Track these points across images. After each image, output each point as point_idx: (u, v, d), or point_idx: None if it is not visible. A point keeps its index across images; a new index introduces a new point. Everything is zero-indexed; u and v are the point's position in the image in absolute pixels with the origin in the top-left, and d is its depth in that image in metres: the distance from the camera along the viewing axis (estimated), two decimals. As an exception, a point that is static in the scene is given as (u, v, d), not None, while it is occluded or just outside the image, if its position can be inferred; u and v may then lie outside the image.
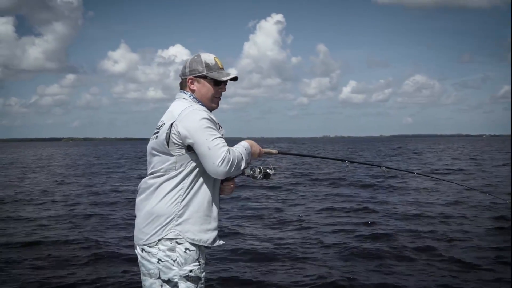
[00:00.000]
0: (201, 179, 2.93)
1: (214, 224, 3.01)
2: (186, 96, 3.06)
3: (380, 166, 4.04)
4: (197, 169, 2.89)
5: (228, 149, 2.82)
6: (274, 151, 3.40)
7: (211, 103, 3.11)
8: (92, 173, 25.67)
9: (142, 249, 2.95)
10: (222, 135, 2.99)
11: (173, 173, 2.91)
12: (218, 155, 2.76)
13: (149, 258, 2.91)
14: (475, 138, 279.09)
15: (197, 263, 2.92)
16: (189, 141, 2.82)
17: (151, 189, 2.97)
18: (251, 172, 3.17)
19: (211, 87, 3.08)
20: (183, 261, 2.87)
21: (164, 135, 2.89)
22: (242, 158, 2.90)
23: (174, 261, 2.87)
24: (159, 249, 2.88)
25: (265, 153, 3.29)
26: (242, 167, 2.90)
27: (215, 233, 3.01)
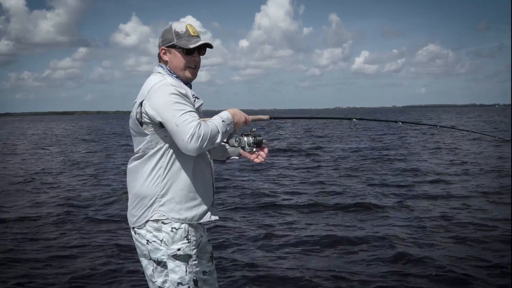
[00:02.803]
0: (181, 155, 2.87)
1: (200, 200, 2.97)
2: (160, 69, 3.01)
3: (395, 121, 3.97)
4: (175, 145, 2.83)
5: (198, 124, 2.70)
6: (264, 117, 3.23)
7: (185, 73, 3.01)
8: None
9: (134, 231, 3.01)
10: (199, 107, 2.97)
11: (151, 152, 2.90)
12: (186, 131, 2.66)
13: (140, 240, 2.97)
14: (488, 108, 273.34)
15: (185, 241, 2.91)
16: (158, 119, 2.78)
17: (134, 170, 2.99)
18: (236, 143, 3.07)
19: (182, 56, 2.99)
20: (170, 240, 2.89)
21: (135, 114, 2.88)
22: (218, 132, 2.78)
23: (161, 241, 2.89)
24: (147, 230, 2.92)
25: (254, 120, 3.13)
26: (218, 140, 2.79)
27: (202, 208, 2.98)
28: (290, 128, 47.11)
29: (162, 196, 2.91)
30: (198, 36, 3.03)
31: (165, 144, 2.89)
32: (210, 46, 3.06)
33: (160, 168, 2.91)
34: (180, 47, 2.99)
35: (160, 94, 2.80)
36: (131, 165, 3.04)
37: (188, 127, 2.68)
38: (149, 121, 2.83)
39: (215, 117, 2.88)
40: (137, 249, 3.07)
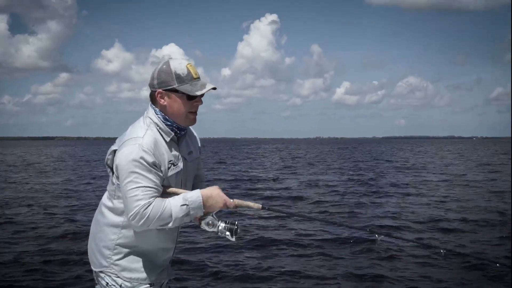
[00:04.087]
0: None
1: (157, 262, 2.82)
2: (152, 114, 2.70)
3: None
4: None
5: (147, 204, 2.50)
6: (255, 205, 2.77)
7: (186, 120, 2.71)
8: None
9: (94, 271, 2.86)
10: (174, 174, 2.70)
11: (114, 201, 2.73)
12: (131, 208, 2.49)
13: (100, 280, 2.81)
14: (466, 140, 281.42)
15: (147, 285, 2.76)
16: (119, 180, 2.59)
17: (99, 207, 2.86)
18: (207, 227, 2.71)
19: (184, 102, 2.66)
20: (129, 285, 2.74)
21: (106, 160, 2.72)
22: (171, 217, 2.53)
23: (120, 286, 2.74)
24: (106, 274, 2.76)
25: (239, 206, 2.74)
26: (170, 225, 2.56)
27: (158, 269, 2.82)
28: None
29: (115, 254, 2.73)
30: (199, 78, 2.69)
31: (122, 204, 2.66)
32: (215, 88, 2.71)
33: (117, 225, 2.72)
34: (182, 93, 2.64)
35: (125, 156, 2.54)
36: (102, 200, 2.86)
37: (133, 205, 2.49)
38: (116, 174, 2.62)
39: (179, 197, 2.59)
40: (97, 286, 2.87)
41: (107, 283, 2.77)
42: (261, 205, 2.79)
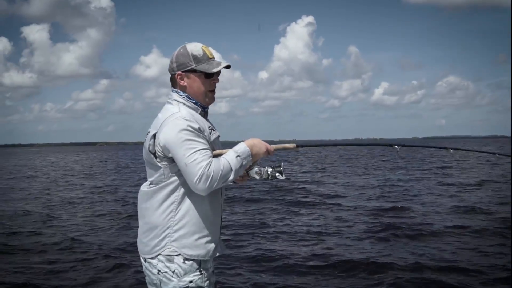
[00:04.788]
0: (193, 192, 2.75)
1: (212, 236, 2.90)
2: (176, 97, 2.88)
3: (446, 148, 3.68)
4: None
5: (208, 163, 2.63)
6: (290, 145, 3.06)
7: (206, 98, 2.91)
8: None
9: (144, 259, 2.92)
10: (215, 139, 2.88)
11: (163, 185, 2.82)
12: (195, 172, 2.60)
13: (150, 269, 2.87)
14: (509, 139, 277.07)
15: (197, 273, 2.83)
16: (170, 155, 2.72)
17: (147, 197, 2.91)
18: (256, 176, 2.93)
19: (203, 81, 2.86)
20: (182, 272, 2.80)
21: (148, 145, 2.82)
22: (231, 169, 2.69)
23: (173, 272, 2.81)
24: (159, 260, 2.83)
25: (277, 149, 3.01)
26: (231, 178, 2.69)
27: (213, 244, 2.90)
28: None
29: (175, 231, 2.81)
30: (214, 58, 2.91)
31: (178, 179, 2.79)
32: (229, 66, 2.92)
33: (173, 202, 2.81)
34: (200, 71, 2.86)
35: (172, 129, 2.70)
36: (143, 190, 2.94)
37: (196, 168, 2.61)
38: (162, 154, 2.75)
39: (230, 152, 2.78)
40: (147, 277, 2.96)
41: (159, 271, 2.83)
42: (295, 144, 3.07)
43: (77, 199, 16.97)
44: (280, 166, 2.95)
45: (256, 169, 2.94)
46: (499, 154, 4.02)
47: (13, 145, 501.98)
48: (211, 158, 2.68)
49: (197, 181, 2.61)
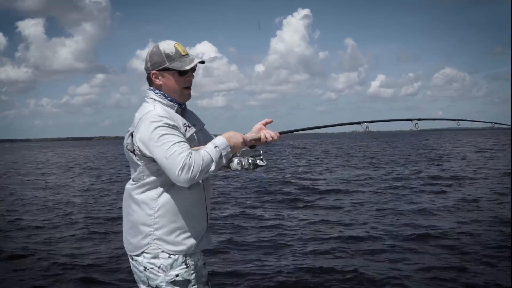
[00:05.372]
0: (173, 187, 2.81)
1: (196, 231, 2.92)
2: (152, 95, 2.92)
3: (410, 120, 3.71)
4: (166, 178, 2.76)
5: (189, 154, 2.63)
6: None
7: (181, 96, 2.94)
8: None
9: (131, 257, 2.95)
10: (191, 136, 2.88)
11: (143, 182, 2.86)
12: (176, 163, 2.60)
13: (137, 266, 2.91)
14: (506, 130, 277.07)
15: (183, 266, 2.86)
16: (147, 153, 2.73)
17: (129, 196, 2.94)
18: (238, 167, 2.96)
19: (177, 79, 2.90)
20: (168, 266, 2.83)
21: (126, 144, 2.86)
22: (212, 160, 2.69)
23: (158, 267, 2.83)
24: (144, 257, 2.86)
25: (254, 139, 3.00)
26: (212, 168, 2.69)
27: (197, 238, 2.92)
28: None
29: (156, 229, 2.84)
30: (187, 54, 2.93)
31: (157, 177, 2.83)
32: (203, 62, 2.95)
33: (152, 199, 2.85)
34: (174, 70, 2.89)
35: (147, 127, 2.72)
36: (127, 188, 2.99)
37: (177, 159, 2.62)
38: (140, 153, 2.78)
39: (208, 145, 2.79)
40: (135, 275, 2.99)
41: (145, 267, 2.88)
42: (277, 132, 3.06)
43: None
44: (260, 154, 3.00)
45: (236, 160, 2.97)
46: (495, 123, 4.21)
47: (10, 140, 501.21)
48: (190, 149, 2.69)
49: (179, 173, 2.60)
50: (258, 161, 2.99)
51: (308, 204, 13.31)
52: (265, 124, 3.11)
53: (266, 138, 3.03)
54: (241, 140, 2.92)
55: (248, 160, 2.98)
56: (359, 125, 3.47)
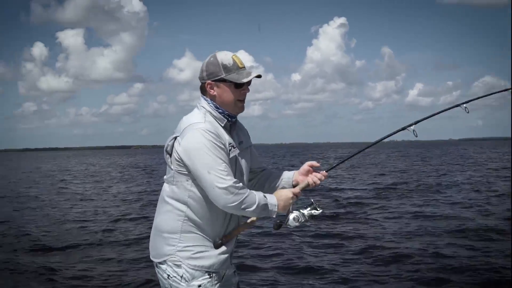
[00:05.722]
0: (204, 201, 2.76)
1: (221, 249, 2.85)
2: (204, 104, 2.86)
3: (458, 105, 3.55)
4: (196, 191, 2.75)
5: (238, 181, 2.67)
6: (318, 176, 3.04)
7: (235, 108, 2.88)
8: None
9: (156, 264, 2.92)
10: (233, 157, 2.82)
11: (173, 187, 2.82)
12: (218, 178, 2.62)
13: (161, 274, 2.87)
14: None
15: (206, 276, 2.80)
16: (187, 162, 2.70)
17: (160, 197, 2.94)
18: (296, 223, 2.90)
19: (233, 91, 2.83)
20: (190, 276, 2.78)
21: (166, 145, 2.82)
22: (255, 202, 2.70)
23: (181, 277, 2.79)
24: (167, 265, 2.82)
25: (303, 189, 3.00)
26: (251, 210, 2.69)
27: (221, 258, 2.85)
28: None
29: (181, 241, 2.79)
30: (244, 67, 2.87)
31: (189, 186, 2.78)
32: (260, 76, 2.88)
33: (180, 210, 2.80)
34: (230, 81, 2.82)
35: (195, 138, 2.69)
36: (162, 190, 2.95)
37: (223, 177, 2.62)
38: (178, 159, 2.75)
39: (260, 192, 2.78)
40: (160, 282, 2.93)
41: (169, 275, 2.83)
42: (325, 172, 3.09)
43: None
44: (312, 204, 2.95)
45: (292, 217, 2.89)
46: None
47: (51, 149, 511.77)
48: (235, 179, 2.69)
49: (221, 191, 2.62)
50: (313, 212, 2.93)
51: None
52: (312, 167, 3.07)
53: (314, 183, 3.01)
54: (289, 202, 2.87)
55: (303, 214, 2.91)
56: (396, 133, 3.33)
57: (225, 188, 2.62)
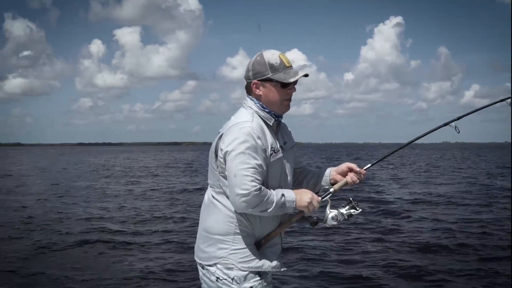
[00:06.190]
0: None
1: (272, 249, 2.88)
2: (251, 104, 2.84)
3: (503, 100, 3.31)
4: None
5: (259, 187, 2.60)
6: (346, 180, 2.98)
7: (281, 107, 2.85)
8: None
9: (202, 266, 2.87)
10: (275, 160, 2.78)
11: (220, 191, 2.79)
12: (242, 186, 2.57)
13: (208, 276, 2.82)
14: None
15: (257, 278, 2.78)
16: (225, 162, 2.67)
17: (207, 201, 2.90)
18: (334, 222, 2.88)
19: (279, 90, 2.80)
20: (241, 278, 2.75)
21: (214, 144, 2.79)
22: (273, 202, 2.65)
23: (232, 279, 2.75)
24: (217, 268, 2.78)
25: (324, 198, 2.92)
26: (269, 210, 2.65)
27: (272, 257, 2.85)
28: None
29: (232, 243, 2.77)
30: (291, 66, 2.82)
31: None
32: (307, 75, 2.85)
33: (230, 212, 2.77)
34: (277, 81, 2.78)
35: (237, 136, 2.65)
36: (205, 196, 2.92)
37: (245, 183, 2.58)
38: (222, 159, 2.71)
39: (278, 191, 2.73)
40: (203, 284, 2.90)
41: (218, 278, 2.79)
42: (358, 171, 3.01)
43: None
44: (351, 202, 2.92)
45: (331, 215, 2.88)
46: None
47: (104, 144, 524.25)
48: (260, 181, 2.65)
49: (240, 196, 2.59)
50: (352, 211, 2.91)
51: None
52: (351, 169, 3.03)
53: (353, 181, 2.99)
54: (308, 201, 2.77)
55: (342, 213, 2.90)
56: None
57: (243, 195, 2.58)
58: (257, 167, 2.64)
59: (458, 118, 3.29)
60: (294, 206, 2.75)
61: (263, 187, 2.64)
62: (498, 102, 3.35)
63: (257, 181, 2.62)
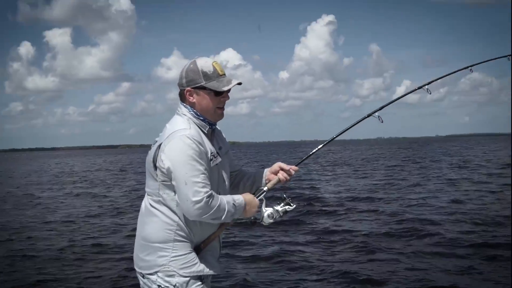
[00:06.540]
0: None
1: (211, 252, 2.89)
2: (185, 111, 2.82)
3: (421, 87, 3.79)
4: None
5: (211, 193, 2.62)
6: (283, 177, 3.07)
7: (214, 115, 2.85)
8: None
9: (142, 275, 2.83)
10: (214, 166, 2.78)
11: (159, 200, 2.76)
12: (194, 193, 2.57)
13: (150, 285, 2.78)
14: None
15: (199, 283, 2.77)
16: (170, 172, 2.65)
17: (144, 209, 2.87)
18: (271, 220, 2.94)
19: (212, 98, 2.80)
20: (183, 285, 2.73)
21: (152, 154, 2.76)
22: (225, 210, 2.68)
23: (174, 286, 2.73)
24: (158, 276, 2.75)
25: (271, 187, 3.05)
26: (222, 218, 2.68)
27: (211, 262, 2.84)
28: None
29: (174, 250, 2.74)
30: (225, 74, 2.83)
31: (174, 200, 2.72)
32: (241, 83, 2.86)
33: (171, 218, 2.75)
34: (210, 89, 2.78)
35: (180, 145, 2.64)
36: (144, 201, 2.89)
37: (197, 189, 2.58)
38: (163, 168, 2.68)
39: (229, 197, 2.77)
40: None
41: (159, 286, 2.76)
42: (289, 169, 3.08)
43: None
44: (285, 198, 2.99)
45: (266, 214, 2.95)
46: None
47: (37, 149, 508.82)
48: (211, 189, 2.67)
49: (194, 203, 2.59)
50: (287, 207, 2.97)
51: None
52: (282, 168, 3.10)
53: (285, 178, 3.07)
54: (256, 209, 2.90)
55: (277, 210, 2.95)
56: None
57: (197, 202, 2.59)
58: (205, 172, 2.66)
59: (381, 108, 3.50)
60: (242, 214, 2.83)
61: (214, 193, 2.66)
62: (415, 90, 3.77)
63: (207, 186, 2.64)
